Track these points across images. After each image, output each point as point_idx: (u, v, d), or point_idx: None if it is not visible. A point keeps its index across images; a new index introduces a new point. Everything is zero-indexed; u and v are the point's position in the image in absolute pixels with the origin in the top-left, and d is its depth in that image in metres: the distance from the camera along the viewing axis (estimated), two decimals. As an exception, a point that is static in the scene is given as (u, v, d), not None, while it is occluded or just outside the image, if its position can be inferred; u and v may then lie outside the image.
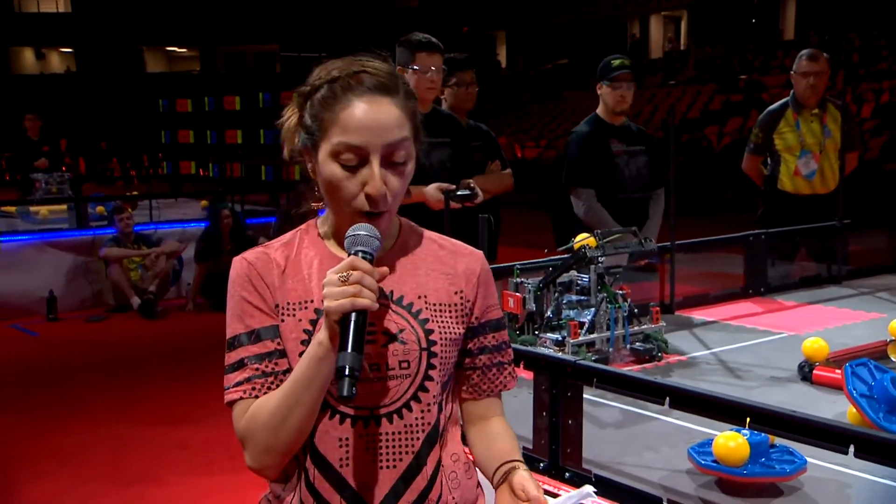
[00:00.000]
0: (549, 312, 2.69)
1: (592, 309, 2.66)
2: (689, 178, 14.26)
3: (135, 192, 11.71)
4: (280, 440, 1.29)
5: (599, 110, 4.03)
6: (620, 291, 2.70)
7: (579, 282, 2.75)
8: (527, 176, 14.58)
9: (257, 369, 1.32)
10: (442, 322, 1.37)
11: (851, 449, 1.35)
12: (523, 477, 1.32)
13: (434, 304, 1.37)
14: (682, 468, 1.86)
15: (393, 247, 1.40)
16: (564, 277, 2.75)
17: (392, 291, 1.36)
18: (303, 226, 1.44)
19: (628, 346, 2.71)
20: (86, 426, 4.61)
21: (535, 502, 1.28)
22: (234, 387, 1.33)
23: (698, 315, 3.39)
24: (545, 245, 3.11)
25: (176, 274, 7.88)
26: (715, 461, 1.76)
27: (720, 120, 17.48)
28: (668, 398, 1.64)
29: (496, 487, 1.36)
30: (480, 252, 1.46)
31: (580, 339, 2.60)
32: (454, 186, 3.32)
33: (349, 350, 1.18)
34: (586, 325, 2.63)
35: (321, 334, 1.25)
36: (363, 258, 1.25)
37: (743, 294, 3.69)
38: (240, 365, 1.33)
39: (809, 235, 4.11)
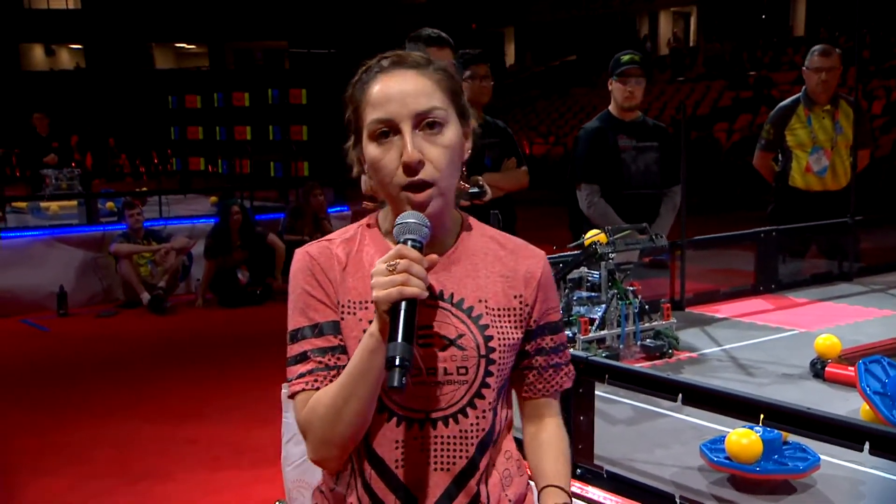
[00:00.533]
0: (559, 309, 2.68)
1: (603, 305, 2.65)
2: (698, 174, 14.19)
3: (144, 189, 11.74)
4: (336, 432, 1.28)
5: (611, 106, 4.02)
6: (631, 288, 2.69)
7: (590, 278, 2.74)
8: (534, 172, 14.54)
9: (320, 362, 1.32)
10: (501, 328, 1.35)
11: (867, 446, 1.34)
12: None
13: (494, 309, 1.35)
14: (695, 465, 1.85)
15: (454, 245, 1.38)
16: (575, 274, 2.74)
17: (452, 294, 1.34)
18: (364, 220, 1.42)
19: (639, 342, 2.70)
20: (94, 421, 4.63)
21: None
22: (296, 378, 1.33)
23: (709, 312, 3.37)
24: (554, 241, 3.10)
25: (185, 270, 7.90)
26: (728, 458, 1.75)
27: (730, 117, 17.41)
28: (680, 395, 1.63)
29: None
30: (542, 252, 1.45)
31: (590, 335, 2.59)
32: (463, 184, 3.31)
33: (399, 340, 1.16)
34: (597, 322, 2.62)
35: (373, 326, 1.24)
36: (412, 246, 1.23)
37: (754, 291, 3.67)
38: (303, 357, 1.33)
39: (821, 232, 4.09)
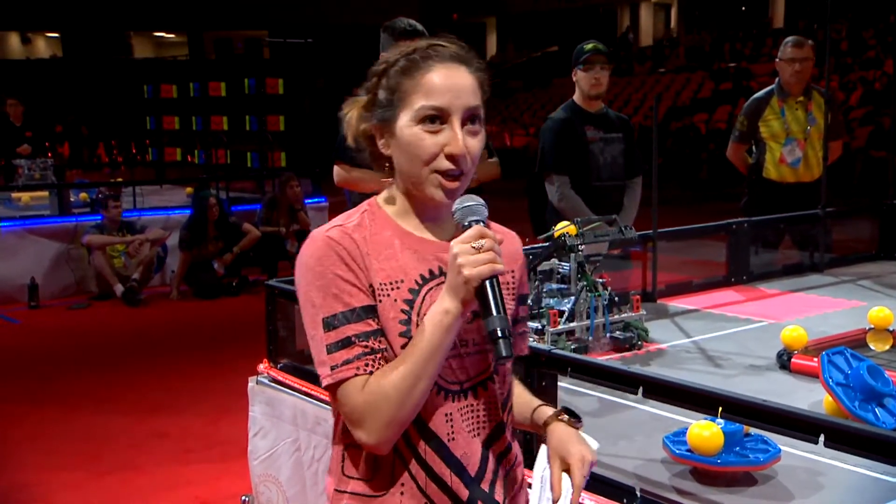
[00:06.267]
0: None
1: (572, 297, 2.65)
2: (675, 165, 14.28)
3: (119, 179, 11.60)
4: (404, 413, 1.30)
5: (576, 97, 3.98)
6: (601, 280, 2.68)
7: (560, 270, 2.73)
8: (515, 163, 14.55)
9: (366, 346, 1.32)
10: (507, 301, 1.41)
11: (822, 438, 1.34)
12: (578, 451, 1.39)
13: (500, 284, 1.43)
14: (657, 457, 1.85)
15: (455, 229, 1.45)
16: (545, 265, 2.74)
17: None
18: (361, 206, 1.43)
19: (608, 334, 2.69)
20: (66, 414, 4.58)
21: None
22: (343, 365, 1.31)
23: (680, 303, 3.38)
24: (528, 233, 3.09)
25: (160, 261, 7.81)
26: (689, 450, 1.75)
27: (710, 108, 17.48)
28: (640, 387, 1.63)
29: (545, 425, 1.44)
30: (514, 232, 1.54)
31: (560, 327, 2.59)
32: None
33: (499, 314, 1.25)
34: (566, 314, 2.61)
35: (448, 304, 1.28)
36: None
37: (725, 282, 3.68)
38: (347, 343, 1.32)
39: (792, 223, 4.11)
